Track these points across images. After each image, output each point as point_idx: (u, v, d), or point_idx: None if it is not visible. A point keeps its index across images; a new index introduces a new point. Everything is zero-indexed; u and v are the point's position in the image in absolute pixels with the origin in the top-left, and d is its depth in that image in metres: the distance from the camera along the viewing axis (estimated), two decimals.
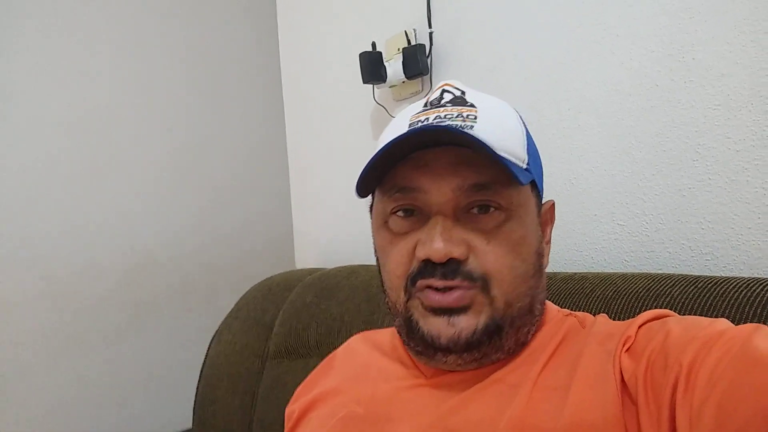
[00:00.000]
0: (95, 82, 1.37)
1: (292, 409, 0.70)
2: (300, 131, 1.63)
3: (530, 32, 1.03)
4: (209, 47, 1.56)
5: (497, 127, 0.54)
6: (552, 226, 0.62)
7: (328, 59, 1.50)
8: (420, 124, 0.54)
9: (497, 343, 0.54)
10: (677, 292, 0.72)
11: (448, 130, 0.50)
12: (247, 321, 1.30)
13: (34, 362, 1.29)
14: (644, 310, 0.72)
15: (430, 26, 1.18)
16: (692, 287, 0.72)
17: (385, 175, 0.55)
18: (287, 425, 0.70)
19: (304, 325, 1.17)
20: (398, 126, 0.57)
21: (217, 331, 1.34)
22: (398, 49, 1.20)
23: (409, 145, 0.52)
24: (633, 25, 0.89)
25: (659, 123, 0.86)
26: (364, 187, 0.55)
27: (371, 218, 0.61)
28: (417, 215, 0.55)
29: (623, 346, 0.51)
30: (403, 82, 1.20)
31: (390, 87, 1.25)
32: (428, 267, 0.52)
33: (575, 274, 0.86)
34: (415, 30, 1.21)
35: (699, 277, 0.74)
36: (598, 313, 0.63)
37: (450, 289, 0.52)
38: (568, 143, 0.97)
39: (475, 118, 0.54)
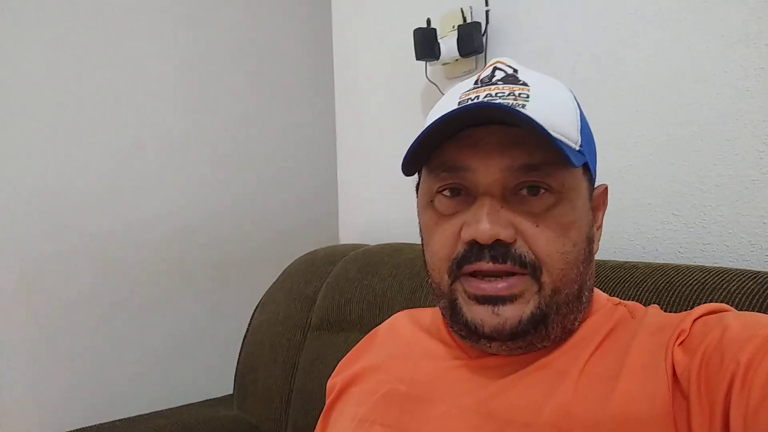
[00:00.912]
0: (145, 58, 1.40)
1: (334, 382, 0.71)
2: (350, 109, 1.63)
3: (587, 15, 1.00)
4: (259, 25, 1.56)
5: (550, 107, 0.52)
6: (604, 211, 0.61)
7: (380, 35, 1.49)
8: (470, 101, 0.53)
9: (543, 332, 0.53)
10: (734, 287, 0.70)
11: (500, 108, 0.48)
12: (290, 292, 1.32)
13: (79, 324, 1.33)
14: (698, 304, 0.70)
15: (487, 4, 1.15)
16: (751, 282, 0.70)
17: (433, 153, 0.54)
18: (329, 397, 0.71)
19: (346, 300, 1.18)
20: (447, 103, 0.55)
21: (260, 301, 1.37)
22: (453, 27, 1.18)
23: (458, 123, 0.51)
24: (699, 8, 0.85)
25: (724, 111, 0.83)
26: (410, 166, 0.54)
27: (417, 197, 0.60)
28: (464, 195, 0.53)
29: (677, 339, 0.50)
30: (457, 60, 1.19)
31: (443, 65, 1.24)
32: (475, 250, 0.51)
33: (625, 262, 0.84)
34: (471, 7, 1.19)
35: (758, 272, 0.72)
36: (649, 304, 0.62)
37: (498, 276, 0.51)
38: (622, 130, 0.95)
39: (528, 96, 0.52)
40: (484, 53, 1.16)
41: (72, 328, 1.32)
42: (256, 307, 1.37)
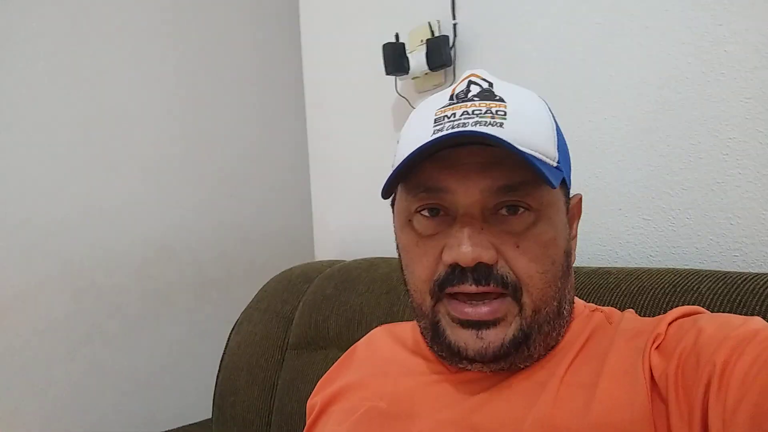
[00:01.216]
0: (107, 74, 1.38)
1: (314, 401, 0.70)
2: (321, 122, 1.63)
3: (555, 25, 1.02)
4: (227, 35, 1.56)
5: (527, 124, 0.52)
6: (579, 220, 0.61)
7: (349, 50, 1.50)
8: (446, 120, 0.53)
9: (525, 352, 0.53)
10: (705, 288, 0.71)
11: (479, 136, 0.48)
12: (267, 312, 1.30)
13: (55, 351, 1.30)
14: (671, 306, 0.71)
15: (454, 17, 1.17)
16: (721, 283, 0.71)
17: (410, 172, 0.53)
18: (309, 418, 0.70)
19: (323, 317, 1.17)
20: (422, 121, 0.55)
21: (237, 322, 1.35)
22: (421, 41, 1.19)
23: (436, 145, 0.50)
24: (663, 17, 0.87)
25: (688, 117, 0.85)
26: (387, 189, 0.54)
27: (393, 214, 0.59)
28: (443, 215, 0.53)
29: (653, 343, 0.50)
30: (426, 73, 1.20)
31: (413, 78, 1.25)
32: (457, 272, 0.51)
33: (599, 268, 0.85)
34: (438, 21, 1.20)
35: (728, 272, 0.73)
36: (625, 309, 0.62)
37: (482, 297, 0.51)
38: (592, 137, 0.96)
39: (504, 114, 0.52)
40: (452, 66, 1.17)
41: (47, 357, 1.29)
42: (233, 328, 1.34)
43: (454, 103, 0.54)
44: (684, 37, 0.85)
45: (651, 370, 0.48)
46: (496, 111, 0.52)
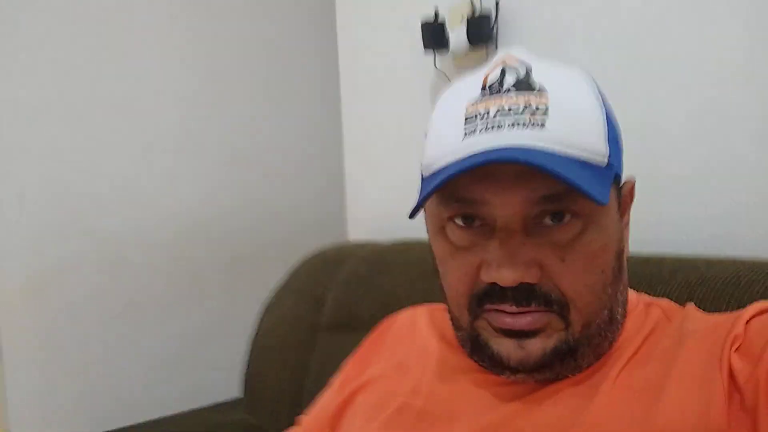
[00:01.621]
0: (139, 50, 1.36)
1: (343, 385, 0.68)
2: (356, 102, 1.59)
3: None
4: (262, 17, 1.52)
5: (573, 118, 0.46)
6: (631, 206, 0.56)
7: (387, 27, 1.45)
8: (479, 120, 0.47)
9: (571, 363, 0.49)
10: None
11: (515, 162, 0.43)
12: (299, 293, 1.28)
13: (89, 327, 1.30)
14: (734, 299, 0.67)
15: None
16: None
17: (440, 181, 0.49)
18: (333, 396, 0.68)
19: (357, 299, 1.15)
20: (451, 118, 0.49)
21: (268, 302, 1.33)
22: (462, 17, 1.15)
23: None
24: None
25: (753, 96, 0.79)
26: (416, 210, 0.48)
27: (425, 214, 0.55)
28: (479, 225, 0.48)
29: (732, 345, 0.45)
30: (467, 51, 1.15)
31: (453, 56, 1.20)
32: (497, 290, 0.47)
33: (652, 256, 0.80)
34: None
35: None
36: (683, 303, 0.57)
37: (523, 312, 0.47)
38: (645, 117, 0.91)
39: (546, 110, 0.46)
40: (495, 43, 1.12)
41: (80, 332, 1.29)
42: (265, 309, 1.33)
43: (486, 97, 0.48)
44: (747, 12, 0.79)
45: (732, 375, 0.44)
46: (536, 107, 0.46)
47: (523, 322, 0.47)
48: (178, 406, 1.38)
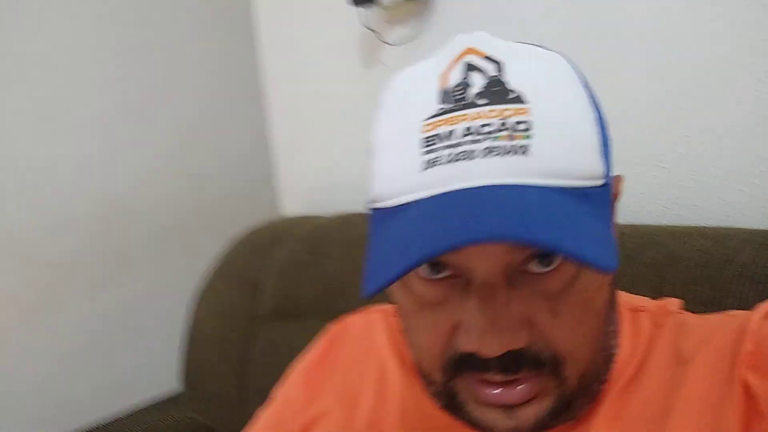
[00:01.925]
0: (53, 24, 1.18)
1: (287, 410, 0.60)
2: (278, 60, 1.44)
3: None
4: None
5: (562, 135, 0.36)
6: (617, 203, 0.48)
7: None
8: (441, 144, 0.36)
9: (566, 414, 0.41)
10: (746, 258, 0.61)
11: (499, 239, 0.32)
12: (232, 280, 1.18)
13: (7, 323, 1.17)
14: (709, 283, 0.61)
15: None
16: (764, 248, 0.61)
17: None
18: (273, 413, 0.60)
19: (298, 286, 1.06)
20: (404, 131, 0.38)
21: (200, 291, 1.22)
22: None
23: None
24: None
25: (710, 56, 0.73)
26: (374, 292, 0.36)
27: None
28: (450, 275, 0.38)
29: (746, 361, 0.39)
30: (399, 2, 1.03)
31: (384, 8, 1.07)
32: (477, 358, 0.37)
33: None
34: None
35: (764, 231, 0.63)
36: (661, 295, 0.51)
37: (511, 380, 0.38)
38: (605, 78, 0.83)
39: (527, 127, 0.36)
40: None
41: (1, 328, 1.15)
42: (196, 299, 1.22)
43: (450, 111, 0.37)
44: None
45: (749, 395, 0.38)
46: (516, 124, 0.36)
47: (513, 395, 0.38)
48: (113, 396, 1.27)
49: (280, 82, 1.44)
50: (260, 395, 1.05)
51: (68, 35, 1.22)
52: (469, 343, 0.37)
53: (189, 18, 1.38)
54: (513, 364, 0.37)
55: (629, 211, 0.84)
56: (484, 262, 0.36)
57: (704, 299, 0.59)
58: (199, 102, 1.41)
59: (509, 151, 0.35)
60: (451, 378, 0.40)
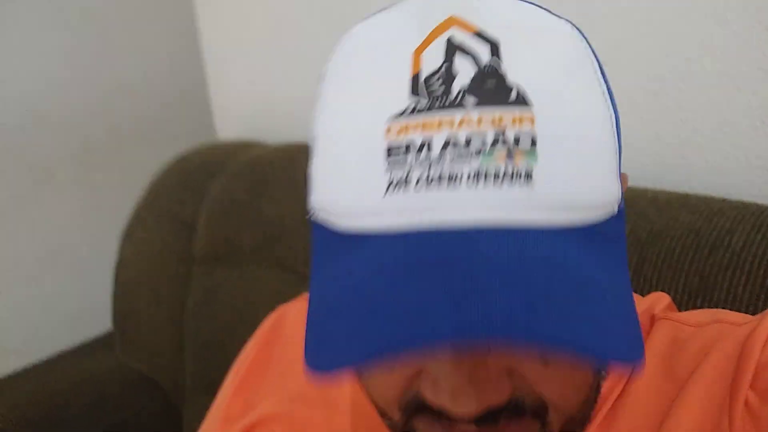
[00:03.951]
0: None
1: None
2: None
3: None
4: None
5: (575, 153, 0.28)
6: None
7: None
8: (412, 153, 0.27)
9: None
10: (739, 242, 0.54)
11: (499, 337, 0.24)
12: (162, 215, 1.06)
13: None
14: (696, 266, 0.54)
15: None
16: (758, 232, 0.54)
17: None
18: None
19: (235, 229, 0.95)
20: (360, 130, 0.29)
21: (127, 227, 1.10)
22: None
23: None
24: None
25: None
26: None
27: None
28: None
29: (748, 382, 0.34)
30: None
31: None
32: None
33: None
34: None
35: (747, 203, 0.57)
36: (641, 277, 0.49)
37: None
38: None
39: (532, 144, 0.26)
40: None
41: None
42: (123, 235, 1.10)
43: (425, 108, 0.27)
44: None
45: (747, 419, 0.34)
46: (515, 140, 0.26)
47: None
48: (38, 341, 1.17)
49: None
50: (197, 344, 0.99)
51: None
52: (437, 398, 0.29)
53: None
54: (490, 417, 0.29)
55: None
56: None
57: (691, 288, 0.53)
58: (118, 3, 1.21)
59: (507, 177, 0.26)
60: (411, 417, 0.32)
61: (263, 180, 0.95)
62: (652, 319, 0.42)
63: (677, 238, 0.56)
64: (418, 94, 0.28)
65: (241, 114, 1.30)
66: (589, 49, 0.30)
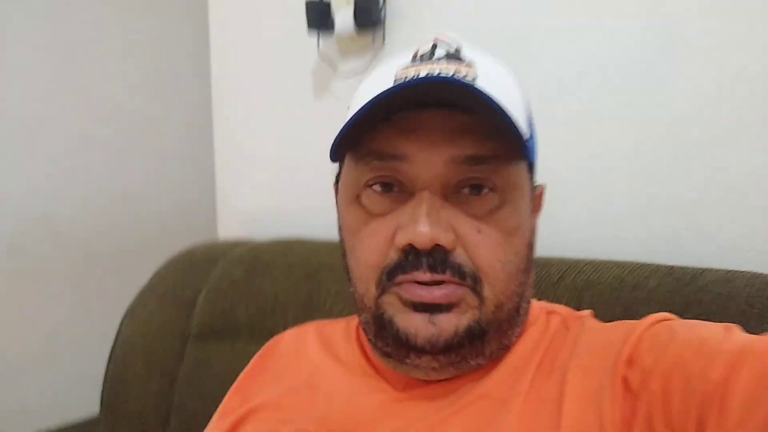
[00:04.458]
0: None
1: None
2: (229, 83, 1.46)
3: None
4: None
5: (499, 92, 0.44)
6: (539, 214, 0.55)
7: (265, 2, 1.34)
8: (408, 78, 0.46)
9: (479, 347, 0.47)
10: (654, 284, 0.67)
11: (452, 83, 0.43)
12: (165, 297, 1.15)
13: None
14: (620, 303, 0.66)
15: None
16: (669, 278, 0.67)
17: (362, 137, 0.46)
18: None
19: (231, 305, 1.05)
20: (381, 79, 0.48)
21: (130, 307, 1.19)
22: None
23: (395, 104, 0.44)
24: None
25: (634, 98, 0.80)
26: (339, 150, 0.47)
27: (336, 192, 0.52)
28: (398, 191, 0.47)
29: (625, 357, 0.44)
30: (353, 34, 1.08)
31: (337, 39, 1.12)
32: (410, 258, 0.44)
33: (538, 259, 0.78)
34: None
35: (673, 267, 0.69)
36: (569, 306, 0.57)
37: (437, 283, 0.44)
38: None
39: (474, 78, 0.46)
40: (382, 28, 1.06)
41: None
42: (125, 314, 1.18)
43: (417, 64, 0.48)
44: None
45: (625, 387, 0.43)
46: (465, 75, 0.46)
47: (437, 294, 0.45)
48: (22, 425, 1.19)
49: (228, 105, 1.46)
50: (183, 415, 1.04)
51: (12, 49, 1.20)
52: (405, 234, 0.44)
53: (141, 32, 1.38)
54: (439, 263, 0.44)
55: (555, 247, 0.89)
56: (428, 170, 0.45)
57: (616, 318, 0.64)
58: (141, 121, 1.39)
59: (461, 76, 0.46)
60: (383, 291, 0.47)
61: (260, 262, 1.06)
62: (576, 318, 0.54)
63: (607, 283, 0.69)
64: (414, 61, 0.49)
65: (243, 219, 1.45)
66: (514, 75, 0.51)
